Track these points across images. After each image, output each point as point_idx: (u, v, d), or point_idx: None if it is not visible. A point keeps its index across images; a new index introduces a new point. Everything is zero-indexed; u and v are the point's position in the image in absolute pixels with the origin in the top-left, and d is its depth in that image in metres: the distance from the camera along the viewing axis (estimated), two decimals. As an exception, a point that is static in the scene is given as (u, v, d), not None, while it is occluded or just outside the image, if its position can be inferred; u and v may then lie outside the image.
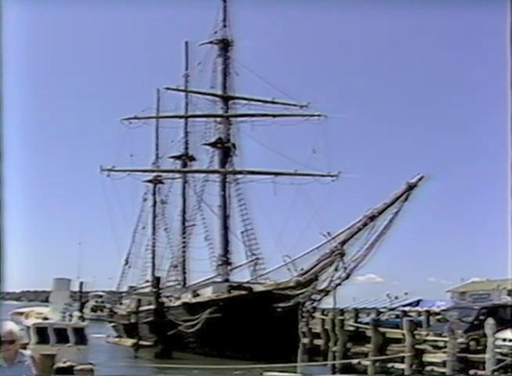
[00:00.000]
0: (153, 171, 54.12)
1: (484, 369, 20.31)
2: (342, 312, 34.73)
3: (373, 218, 30.29)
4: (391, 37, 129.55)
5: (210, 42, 44.06)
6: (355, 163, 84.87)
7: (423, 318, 34.91)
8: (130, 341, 42.68)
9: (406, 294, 63.74)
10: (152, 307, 40.91)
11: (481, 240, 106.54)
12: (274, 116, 42.02)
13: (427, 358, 23.91)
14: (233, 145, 42.64)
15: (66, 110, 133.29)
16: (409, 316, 38.87)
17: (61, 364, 18.98)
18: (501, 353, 20.37)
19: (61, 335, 21.28)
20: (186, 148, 50.80)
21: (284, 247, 36.11)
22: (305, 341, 32.36)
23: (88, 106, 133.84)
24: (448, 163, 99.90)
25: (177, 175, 52.49)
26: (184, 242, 48.79)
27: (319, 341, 32.91)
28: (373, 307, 54.98)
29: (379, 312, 43.91)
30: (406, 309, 49.35)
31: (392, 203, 30.29)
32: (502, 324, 21.08)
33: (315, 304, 32.30)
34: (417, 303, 59.20)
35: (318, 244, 31.42)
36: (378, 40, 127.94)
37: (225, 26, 43.93)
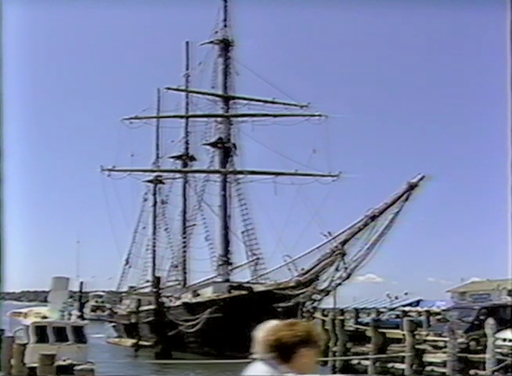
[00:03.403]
0: (153, 171, 54.08)
1: (484, 369, 20.30)
2: (342, 312, 34.73)
3: (373, 217, 30.32)
4: (391, 37, 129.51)
5: (211, 42, 44.09)
6: (355, 163, 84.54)
7: (423, 318, 34.87)
8: (130, 341, 42.67)
9: (406, 294, 63.67)
10: (152, 307, 40.87)
11: (481, 240, 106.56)
12: (274, 116, 42.08)
13: (427, 358, 23.89)
14: (234, 145, 42.65)
15: (66, 110, 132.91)
16: (410, 316, 38.84)
17: (61, 362, 18.99)
18: (501, 353, 20.35)
19: (60, 334, 21.30)
20: (187, 148, 50.77)
21: (285, 247, 36.20)
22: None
23: (88, 106, 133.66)
24: (448, 163, 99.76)
25: (177, 175, 52.47)
26: (184, 242, 48.79)
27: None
28: (373, 307, 54.91)
29: (379, 312, 43.92)
30: (406, 309, 49.27)
31: (393, 203, 30.32)
32: (502, 324, 21.06)
33: (315, 304, 32.33)
34: (417, 303, 59.10)
35: (318, 243, 31.51)
36: (378, 40, 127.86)
37: (225, 26, 43.94)
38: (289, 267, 32.43)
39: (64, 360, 19.31)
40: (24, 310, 24.64)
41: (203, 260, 45.35)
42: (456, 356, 21.25)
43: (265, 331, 3.53)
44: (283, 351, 3.08)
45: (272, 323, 3.81)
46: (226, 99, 43.53)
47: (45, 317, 22.33)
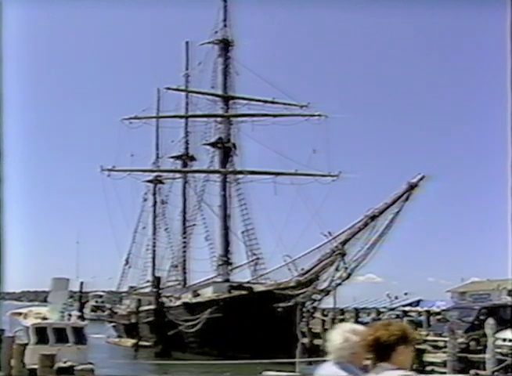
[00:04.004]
0: (153, 171, 54.07)
1: (484, 369, 20.28)
2: (342, 312, 34.80)
3: (373, 217, 30.27)
4: (391, 37, 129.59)
5: (211, 42, 44.01)
6: (355, 163, 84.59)
7: (423, 318, 34.88)
8: (130, 342, 42.66)
9: (406, 294, 63.65)
10: (152, 307, 40.88)
11: (481, 240, 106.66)
12: (274, 116, 42.02)
13: (427, 358, 23.89)
14: (234, 145, 42.61)
15: (66, 110, 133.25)
16: (410, 316, 38.86)
17: (61, 364, 18.97)
18: (501, 353, 20.34)
19: (60, 335, 21.26)
20: (187, 148, 50.76)
21: (285, 247, 36.14)
22: (305, 340, 32.34)
23: (88, 106, 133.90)
24: (448, 163, 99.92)
25: (177, 175, 52.45)
26: (184, 242, 48.77)
27: (318, 341, 32.91)
28: (373, 307, 54.96)
29: (379, 312, 43.93)
30: (406, 308, 49.29)
31: (393, 203, 30.27)
32: (502, 324, 21.06)
33: (315, 304, 32.30)
34: (417, 303, 59.04)
35: (318, 243, 31.44)
36: (378, 40, 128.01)
37: (225, 26, 43.87)
38: (289, 267, 32.38)
39: (65, 362, 19.28)
40: (24, 310, 24.59)
41: (203, 260, 45.39)
42: (456, 356, 21.25)
43: (359, 333, 3.57)
44: (381, 349, 3.23)
45: (350, 326, 3.81)
46: (226, 99, 43.48)
47: (44, 318, 22.30)
